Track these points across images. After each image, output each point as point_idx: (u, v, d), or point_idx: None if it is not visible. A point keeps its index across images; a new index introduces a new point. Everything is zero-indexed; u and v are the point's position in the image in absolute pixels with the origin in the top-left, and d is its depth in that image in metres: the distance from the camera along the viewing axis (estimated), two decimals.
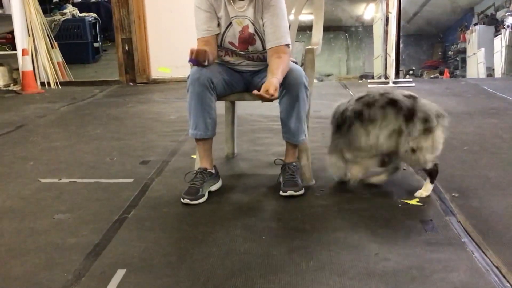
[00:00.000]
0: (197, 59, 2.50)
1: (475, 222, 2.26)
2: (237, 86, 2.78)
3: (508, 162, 3.06)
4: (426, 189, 2.57)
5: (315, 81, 3.53)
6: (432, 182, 2.57)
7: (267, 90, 2.34)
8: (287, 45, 2.61)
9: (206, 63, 2.56)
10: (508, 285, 1.78)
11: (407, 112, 2.45)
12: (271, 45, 2.61)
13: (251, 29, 2.64)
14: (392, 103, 2.49)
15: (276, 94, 2.37)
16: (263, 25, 2.63)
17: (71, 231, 2.30)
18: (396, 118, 2.47)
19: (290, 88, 2.55)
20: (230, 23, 2.64)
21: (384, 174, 2.72)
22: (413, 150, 2.47)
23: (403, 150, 2.49)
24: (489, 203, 2.48)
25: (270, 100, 2.39)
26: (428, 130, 2.45)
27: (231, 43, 2.69)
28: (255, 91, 2.38)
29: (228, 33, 2.67)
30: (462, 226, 2.23)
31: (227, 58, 2.76)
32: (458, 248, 2.05)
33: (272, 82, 2.38)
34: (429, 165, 2.53)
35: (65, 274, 1.92)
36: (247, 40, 2.67)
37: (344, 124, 2.58)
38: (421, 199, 2.52)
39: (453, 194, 2.58)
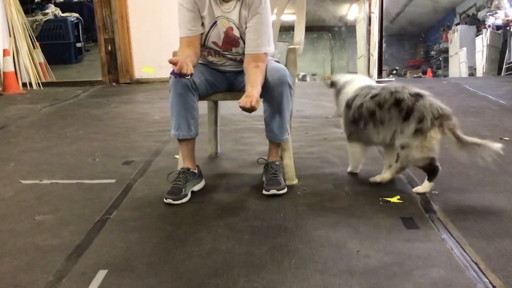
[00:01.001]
0: (180, 73, 2.40)
1: (454, 219, 2.29)
2: (220, 86, 2.78)
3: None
4: (423, 186, 2.61)
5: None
6: (430, 180, 2.60)
7: (250, 101, 2.33)
8: (266, 53, 2.62)
9: (189, 77, 2.48)
10: (486, 280, 1.81)
11: (405, 112, 2.51)
12: (250, 51, 2.61)
13: (236, 32, 2.64)
14: (397, 103, 2.54)
15: (258, 106, 2.38)
16: (246, 29, 2.63)
17: (52, 232, 2.28)
18: (397, 119, 2.54)
19: (274, 87, 2.56)
20: (215, 23, 2.63)
21: (388, 173, 2.75)
22: (402, 147, 2.54)
23: (383, 139, 2.64)
24: (468, 200, 2.52)
25: (251, 111, 2.37)
26: (419, 130, 2.49)
27: (214, 43, 2.69)
28: (239, 104, 2.36)
29: (212, 33, 2.66)
30: (442, 223, 2.26)
31: (210, 58, 2.76)
32: (438, 244, 2.08)
33: (254, 94, 2.38)
34: (420, 164, 2.58)
35: (45, 276, 1.91)
36: (231, 41, 2.67)
37: (361, 120, 2.65)
38: (402, 197, 2.55)
39: (433, 192, 2.61)
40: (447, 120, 2.53)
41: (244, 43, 2.65)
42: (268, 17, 2.64)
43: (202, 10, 2.62)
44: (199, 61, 2.73)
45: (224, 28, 2.63)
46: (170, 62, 2.40)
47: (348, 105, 2.69)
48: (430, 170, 2.60)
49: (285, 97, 2.59)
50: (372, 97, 2.61)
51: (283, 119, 2.65)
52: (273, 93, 2.57)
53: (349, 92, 2.74)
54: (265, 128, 2.71)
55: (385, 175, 2.74)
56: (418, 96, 2.55)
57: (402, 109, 2.52)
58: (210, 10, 2.61)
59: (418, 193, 2.59)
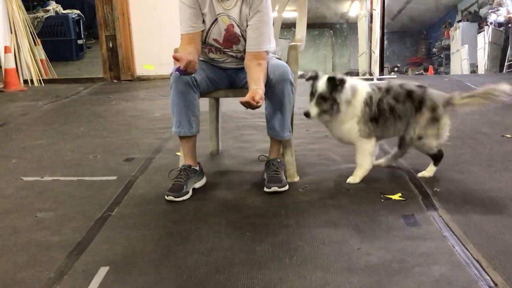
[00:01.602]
0: (185, 70, 2.40)
1: (456, 217, 2.29)
2: (221, 83, 2.78)
3: (490, 157, 3.10)
4: (430, 171, 2.74)
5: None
6: (436, 165, 2.75)
7: (253, 97, 2.35)
8: (267, 51, 2.64)
9: (192, 74, 2.50)
10: (488, 277, 1.81)
11: (418, 102, 2.61)
12: (252, 49, 2.60)
13: (236, 30, 2.64)
14: (409, 95, 2.62)
15: (262, 102, 2.40)
16: (247, 26, 2.62)
17: (54, 229, 2.28)
18: (411, 110, 2.63)
19: (276, 84, 2.56)
20: (216, 20, 2.63)
21: (385, 159, 2.92)
22: (420, 138, 2.66)
23: (408, 137, 2.68)
24: (470, 197, 2.51)
25: (254, 108, 2.39)
26: (435, 118, 2.63)
27: (215, 40, 2.68)
28: (241, 99, 2.38)
29: (213, 30, 2.66)
30: (443, 220, 2.26)
31: (211, 55, 2.75)
32: (439, 242, 2.07)
33: (258, 91, 2.40)
34: (434, 151, 2.70)
35: (47, 272, 1.91)
36: (231, 39, 2.66)
37: (381, 115, 2.62)
38: (403, 194, 2.55)
39: (435, 189, 2.60)
40: (452, 99, 2.67)
41: (244, 40, 2.65)
42: (269, 15, 2.64)
43: (203, 7, 2.61)
44: (200, 58, 2.72)
45: (225, 25, 2.63)
46: (174, 58, 2.39)
47: (368, 104, 2.60)
48: (439, 156, 2.73)
49: (287, 94, 2.59)
50: (387, 92, 2.63)
51: (284, 116, 2.64)
52: (274, 90, 2.57)
53: (362, 91, 2.62)
54: (266, 125, 2.71)
55: (380, 161, 2.91)
56: (423, 87, 2.67)
57: (414, 99, 2.61)
58: (211, 7, 2.60)
59: (424, 177, 2.72)
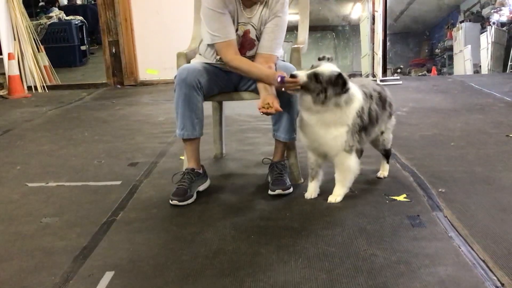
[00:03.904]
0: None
1: (461, 217, 2.28)
2: (225, 86, 2.78)
3: (494, 157, 3.09)
4: (386, 169, 2.83)
5: None
6: (388, 162, 2.83)
7: (268, 104, 2.41)
8: (277, 57, 2.68)
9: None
10: (495, 278, 1.80)
11: (383, 102, 2.63)
12: (264, 51, 2.62)
13: (252, 35, 2.65)
14: (380, 96, 2.62)
15: (278, 106, 2.44)
16: (263, 29, 2.64)
17: (59, 234, 2.29)
18: (382, 111, 2.63)
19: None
20: (237, 29, 2.64)
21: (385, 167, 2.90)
22: (382, 133, 2.72)
23: (375, 135, 2.68)
24: (475, 198, 2.50)
25: (271, 114, 2.45)
26: (390, 114, 2.72)
27: None
28: (259, 109, 2.44)
29: None
30: (449, 221, 2.25)
31: (218, 56, 2.72)
32: (445, 242, 2.07)
33: (271, 97, 2.44)
34: (389, 146, 2.79)
35: (52, 278, 1.91)
36: (247, 45, 2.68)
37: (371, 123, 2.50)
38: (408, 195, 2.54)
39: (440, 190, 2.60)
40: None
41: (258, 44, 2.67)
42: (285, 22, 2.67)
43: (233, 14, 2.60)
44: (205, 61, 2.72)
45: (242, 32, 2.65)
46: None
47: (360, 115, 2.42)
48: (390, 152, 2.83)
49: (293, 96, 2.59)
50: (371, 97, 2.54)
51: (290, 118, 2.64)
52: (281, 92, 2.57)
53: (356, 101, 2.42)
54: (272, 127, 2.71)
55: (386, 171, 2.86)
56: (379, 85, 2.72)
57: (382, 100, 2.63)
58: (235, 15, 2.61)
59: (384, 177, 2.79)
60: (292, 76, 2.34)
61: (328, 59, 2.41)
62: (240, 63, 2.58)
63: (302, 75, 2.33)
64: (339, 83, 2.30)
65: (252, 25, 2.63)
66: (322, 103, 2.32)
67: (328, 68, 2.33)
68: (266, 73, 2.52)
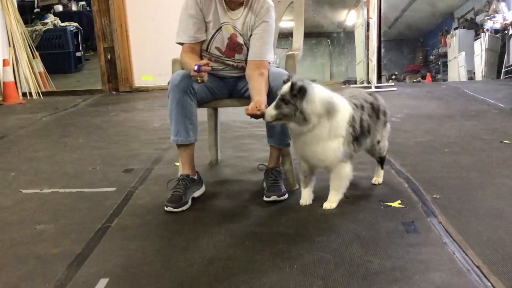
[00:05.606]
0: (202, 69, 2.43)
1: (456, 223, 2.29)
2: (220, 93, 2.78)
3: (488, 163, 3.10)
4: (380, 176, 2.83)
5: None
6: (382, 168, 2.84)
7: (256, 107, 2.37)
8: (269, 62, 2.67)
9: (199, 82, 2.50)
10: (489, 284, 1.80)
11: (377, 111, 2.64)
12: (255, 57, 2.63)
13: (239, 39, 2.67)
14: (372, 106, 2.61)
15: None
16: (250, 36, 2.65)
17: (53, 241, 2.28)
18: (375, 120, 2.63)
19: (277, 92, 2.56)
20: (220, 28, 2.66)
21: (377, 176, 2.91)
22: (378, 142, 2.71)
23: (371, 144, 2.68)
24: (469, 204, 2.51)
25: (258, 118, 2.41)
26: (385, 122, 2.73)
27: (217, 48, 2.70)
28: (246, 110, 2.40)
29: (216, 38, 2.68)
30: (443, 227, 2.26)
31: (211, 63, 2.75)
32: (439, 248, 2.07)
33: (262, 101, 2.42)
34: (385, 152, 2.80)
35: (46, 285, 1.90)
36: (234, 47, 2.69)
37: (363, 134, 2.52)
38: (403, 202, 2.55)
39: (434, 196, 2.60)
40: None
41: (247, 49, 2.67)
42: (273, 26, 2.70)
43: (207, 15, 2.64)
44: None
45: (228, 34, 2.66)
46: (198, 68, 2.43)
47: (352, 125, 2.45)
48: (384, 159, 2.84)
49: None
50: (362, 108, 2.54)
51: (284, 124, 2.64)
52: (275, 98, 2.57)
53: (345, 111, 2.45)
54: (266, 133, 2.71)
55: (380, 177, 2.85)
56: (372, 95, 2.72)
57: (375, 110, 2.63)
58: (215, 15, 2.63)
59: (379, 184, 2.80)
60: (262, 117, 2.36)
61: (288, 80, 2.36)
62: (182, 61, 2.67)
63: (270, 110, 2.34)
64: (297, 89, 2.29)
65: (236, 29, 2.65)
66: (305, 120, 2.32)
67: (285, 86, 2.34)
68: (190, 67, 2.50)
